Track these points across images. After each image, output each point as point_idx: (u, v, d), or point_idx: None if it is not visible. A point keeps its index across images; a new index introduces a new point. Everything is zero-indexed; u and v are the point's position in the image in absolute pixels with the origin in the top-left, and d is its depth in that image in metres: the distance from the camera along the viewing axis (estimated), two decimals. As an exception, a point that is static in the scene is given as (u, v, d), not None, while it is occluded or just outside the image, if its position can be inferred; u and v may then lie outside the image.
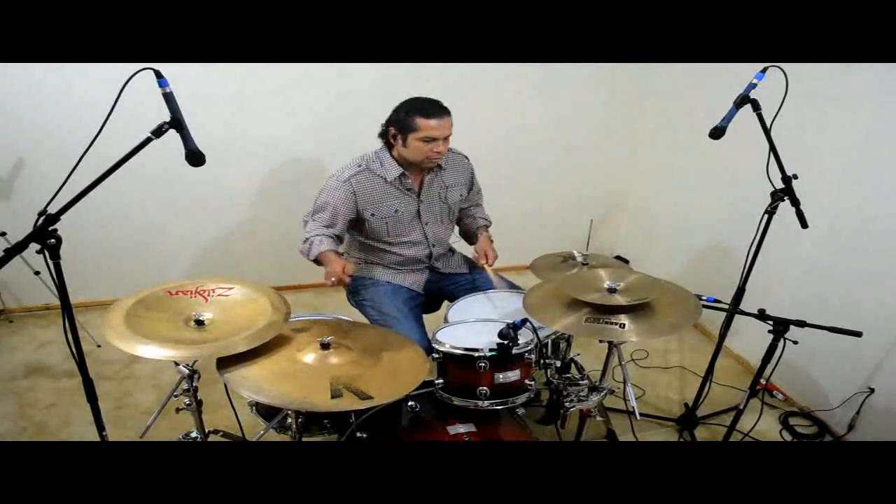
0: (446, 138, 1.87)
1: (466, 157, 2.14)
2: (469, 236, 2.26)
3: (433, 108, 1.83)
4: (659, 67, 3.15)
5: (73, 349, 1.35)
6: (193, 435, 1.63)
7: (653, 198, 3.42)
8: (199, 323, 1.42)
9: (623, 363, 1.71)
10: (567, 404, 1.68)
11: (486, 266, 2.04)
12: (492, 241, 2.16)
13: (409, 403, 1.58)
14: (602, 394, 1.71)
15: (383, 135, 1.94)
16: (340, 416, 1.56)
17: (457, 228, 2.26)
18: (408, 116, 1.84)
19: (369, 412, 1.53)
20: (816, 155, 2.25)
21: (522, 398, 1.69)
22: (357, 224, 2.02)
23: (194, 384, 1.52)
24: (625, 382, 1.64)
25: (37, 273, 2.41)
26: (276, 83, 2.75)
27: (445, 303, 2.12)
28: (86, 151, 1.25)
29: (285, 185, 3.00)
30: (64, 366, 2.47)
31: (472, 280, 2.14)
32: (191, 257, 3.05)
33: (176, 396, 1.53)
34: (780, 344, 1.63)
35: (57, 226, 1.24)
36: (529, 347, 1.65)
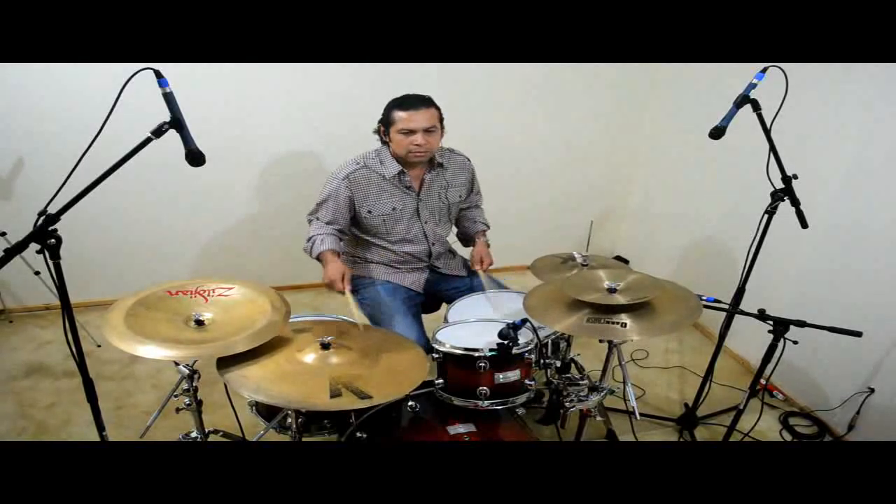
0: (427, 130, 1.86)
1: (468, 159, 2.14)
2: (466, 239, 2.27)
3: (411, 101, 1.86)
4: (659, 67, 3.15)
5: (73, 349, 1.35)
6: (193, 435, 1.63)
7: (653, 198, 3.42)
8: (199, 323, 1.42)
9: (623, 363, 1.71)
10: (567, 404, 1.68)
11: (480, 271, 2.07)
12: (488, 246, 2.17)
13: (409, 403, 1.58)
14: (602, 394, 1.71)
15: (377, 132, 1.97)
16: (340, 416, 1.56)
17: (454, 230, 2.26)
18: (389, 111, 1.89)
19: (369, 412, 1.53)
20: (816, 155, 2.25)
21: (522, 398, 1.69)
22: (357, 221, 2.03)
23: (194, 384, 1.52)
24: (625, 382, 1.64)
25: (37, 273, 2.41)
26: (277, 83, 2.75)
27: (444, 304, 2.12)
28: (86, 151, 1.25)
29: (285, 185, 3.00)
30: (64, 366, 2.47)
31: (470, 284, 2.14)
32: (191, 257, 3.05)
33: (176, 396, 1.53)
34: (780, 344, 1.63)
35: (57, 226, 1.24)
36: (529, 347, 1.65)
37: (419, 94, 1.89)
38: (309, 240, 1.95)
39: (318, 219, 1.98)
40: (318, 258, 1.92)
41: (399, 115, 1.85)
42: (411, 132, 1.85)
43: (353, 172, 1.93)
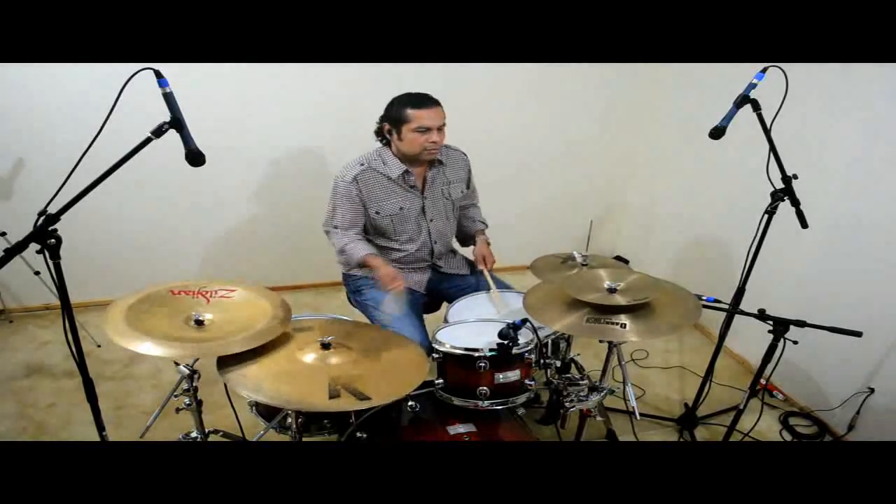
0: (440, 128, 1.88)
1: (465, 154, 2.14)
2: (465, 239, 2.27)
3: (423, 99, 1.86)
4: (659, 67, 3.15)
5: (73, 349, 1.35)
6: (193, 435, 1.63)
7: (653, 198, 3.42)
8: (199, 323, 1.42)
9: (623, 363, 1.71)
10: (567, 404, 1.68)
11: (485, 270, 2.06)
12: (489, 245, 2.17)
13: (409, 403, 1.58)
14: (602, 394, 1.71)
15: (378, 132, 1.96)
16: (340, 416, 1.56)
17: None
18: (399, 110, 1.87)
19: (369, 412, 1.53)
20: (816, 155, 2.25)
21: (522, 398, 1.70)
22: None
23: (194, 384, 1.52)
24: (625, 382, 1.64)
25: (37, 273, 2.41)
26: (276, 83, 2.75)
27: (445, 303, 2.12)
28: (86, 151, 1.25)
29: (285, 185, 3.00)
30: (64, 366, 2.47)
31: (472, 282, 2.14)
32: (191, 257, 3.05)
33: (176, 396, 1.53)
34: (780, 344, 1.63)
35: (57, 226, 1.24)
36: (529, 347, 1.65)
37: (426, 93, 1.89)
38: (341, 252, 1.97)
39: (335, 227, 1.97)
40: (362, 264, 1.95)
41: (414, 113, 1.84)
42: (428, 129, 1.85)
43: (360, 174, 1.92)
